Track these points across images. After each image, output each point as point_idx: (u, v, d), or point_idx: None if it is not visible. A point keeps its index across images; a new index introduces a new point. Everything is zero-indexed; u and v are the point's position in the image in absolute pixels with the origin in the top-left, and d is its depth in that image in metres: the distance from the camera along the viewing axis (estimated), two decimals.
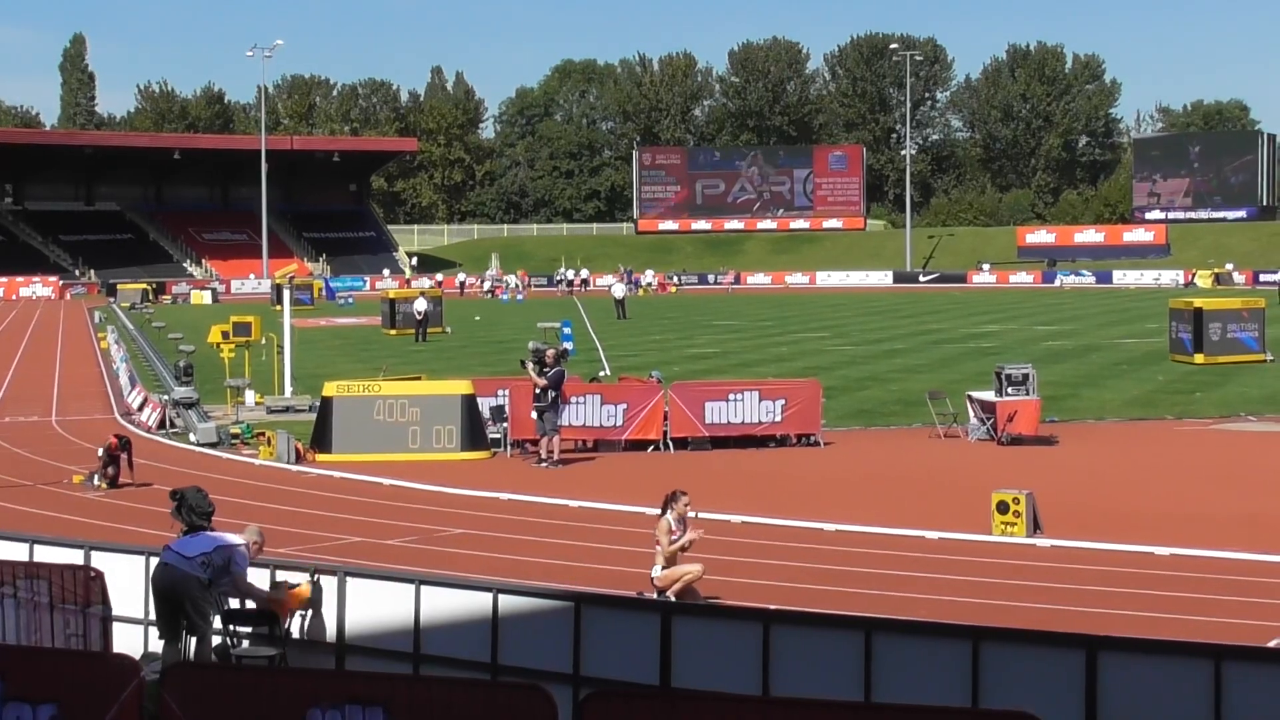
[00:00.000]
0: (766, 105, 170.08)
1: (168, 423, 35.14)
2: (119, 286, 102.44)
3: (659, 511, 17.71)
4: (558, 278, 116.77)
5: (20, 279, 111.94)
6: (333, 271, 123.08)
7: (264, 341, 42.81)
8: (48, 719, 9.71)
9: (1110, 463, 29.39)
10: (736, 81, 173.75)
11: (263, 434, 31.94)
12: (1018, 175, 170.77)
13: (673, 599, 17.04)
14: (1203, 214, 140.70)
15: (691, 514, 18.13)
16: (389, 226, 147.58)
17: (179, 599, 14.19)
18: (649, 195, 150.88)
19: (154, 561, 15.31)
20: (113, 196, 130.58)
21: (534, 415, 29.77)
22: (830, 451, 31.40)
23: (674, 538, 17.39)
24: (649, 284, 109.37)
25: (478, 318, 77.90)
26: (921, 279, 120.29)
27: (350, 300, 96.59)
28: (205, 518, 14.67)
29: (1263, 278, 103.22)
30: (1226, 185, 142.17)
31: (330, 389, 31.65)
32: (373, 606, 14.31)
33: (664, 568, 17.45)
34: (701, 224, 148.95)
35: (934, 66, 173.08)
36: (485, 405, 31.47)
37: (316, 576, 14.69)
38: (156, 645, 14.67)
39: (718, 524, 21.91)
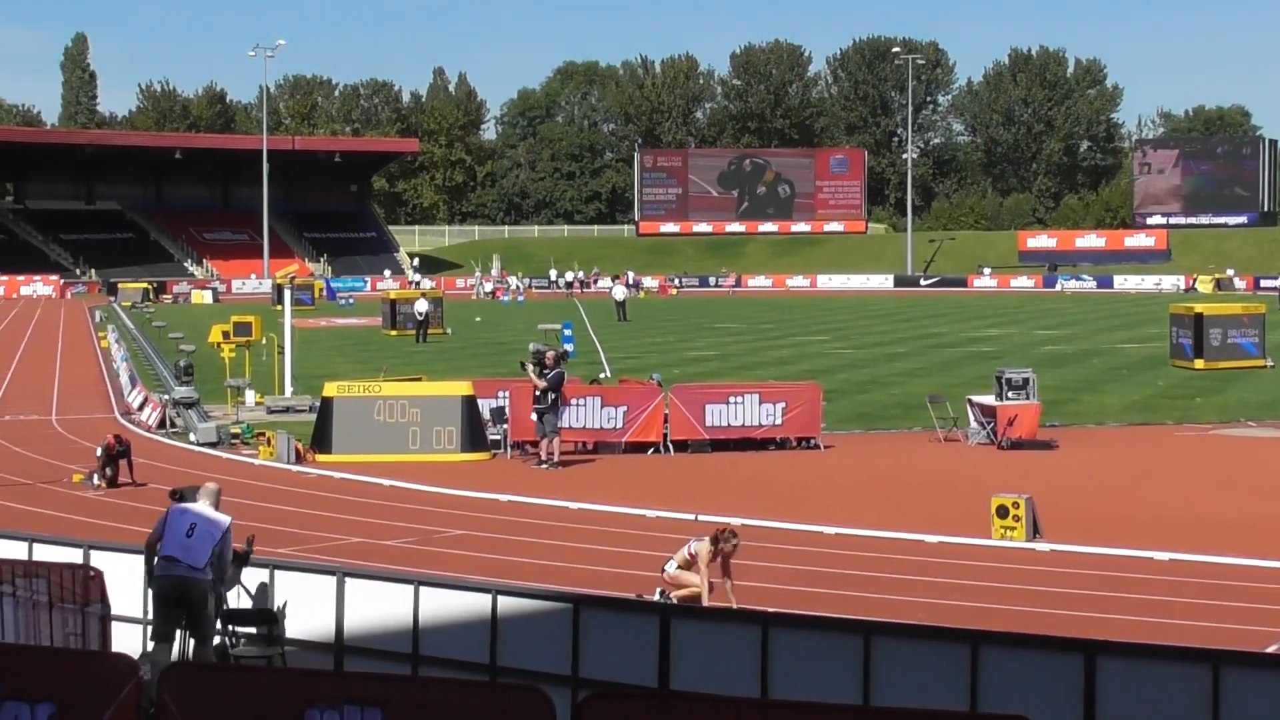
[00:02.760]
0: (768, 108, 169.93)
1: (168, 422, 35.16)
2: (119, 286, 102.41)
3: (710, 543, 17.58)
4: (554, 276, 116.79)
5: (21, 278, 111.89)
6: (333, 272, 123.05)
7: (264, 341, 42.80)
8: (46, 718, 9.71)
9: (1110, 467, 29.40)
10: (738, 84, 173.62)
11: (263, 434, 31.95)
12: (1019, 179, 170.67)
13: (673, 600, 17.09)
14: (1203, 219, 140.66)
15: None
16: (390, 227, 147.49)
17: (191, 605, 14.19)
18: (650, 197, 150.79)
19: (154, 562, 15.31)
20: (114, 196, 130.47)
21: (534, 417, 29.77)
22: (830, 455, 31.41)
23: (702, 571, 17.39)
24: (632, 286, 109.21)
25: (478, 319, 77.91)
26: (922, 283, 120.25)
27: (351, 301, 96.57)
28: None
29: (1263, 283, 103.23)
30: (1227, 191, 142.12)
31: (330, 389, 31.66)
32: (371, 607, 14.32)
33: (680, 567, 17.53)
34: (702, 226, 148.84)
35: (935, 70, 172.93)
36: (485, 406, 31.47)
37: (251, 538, 14.85)
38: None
39: (717, 527, 21.87)
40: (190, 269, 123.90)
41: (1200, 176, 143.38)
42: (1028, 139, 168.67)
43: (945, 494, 26.16)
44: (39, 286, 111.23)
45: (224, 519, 14.60)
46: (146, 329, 65.99)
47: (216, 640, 14.55)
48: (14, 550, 15.53)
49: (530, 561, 20.50)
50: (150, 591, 14.51)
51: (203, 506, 14.72)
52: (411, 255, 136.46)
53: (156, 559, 14.39)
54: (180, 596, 14.18)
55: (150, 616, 14.63)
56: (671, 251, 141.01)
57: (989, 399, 32.69)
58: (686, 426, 31.62)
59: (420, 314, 64.89)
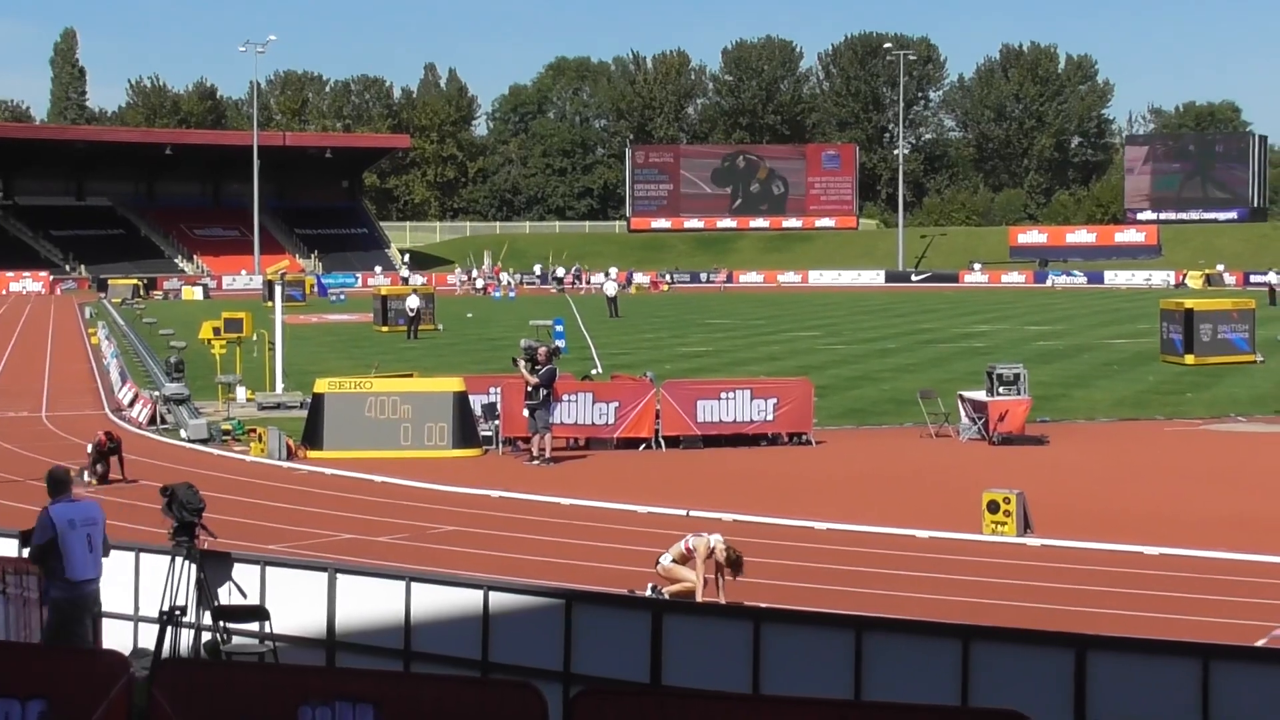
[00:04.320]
0: (760, 104, 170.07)
1: (158, 419, 35.14)
2: (110, 282, 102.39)
3: (710, 539, 17.58)
4: (538, 271, 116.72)
5: (10, 274, 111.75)
6: (325, 268, 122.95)
7: (255, 338, 42.76)
8: (37, 715, 9.68)
9: (1100, 463, 29.42)
10: (730, 80, 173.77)
11: (254, 430, 31.90)
12: (1010, 175, 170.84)
13: (665, 595, 17.10)
14: (1194, 215, 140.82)
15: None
16: (381, 223, 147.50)
17: (97, 609, 14.02)
18: (642, 193, 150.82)
19: (145, 558, 15.29)
20: (104, 192, 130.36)
21: (526, 413, 29.78)
22: (822, 450, 31.41)
23: (698, 567, 17.40)
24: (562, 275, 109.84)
25: (469, 315, 77.87)
26: (913, 278, 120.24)
27: (342, 297, 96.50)
28: (196, 514, 14.61)
29: (1253, 279, 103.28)
30: (1217, 187, 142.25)
31: (322, 385, 31.64)
32: (363, 603, 14.32)
33: (675, 561, 17.53)
34: (694, 222, 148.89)
35: (927, 66, 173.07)
36: (477, 403, 31.47)
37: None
38: (146, 641, 14.66)
39: (709, 523, 21.92)
40: (181, 265, 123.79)
41: (1190, 172, 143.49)
42: (1019, 135, 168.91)
43: (936, 489, 26.18)
44: (29, 283, 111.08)
45: (96, 504, 14.47)
46: (137, 325, 65.95)
47: (207, 636, 14.53)
48: (5, 547, 15.51)
49: (522, 557, 20.50)
50: (56, 612, 13.79)
51: (76, 503, 14.35)
52: (403, 251, 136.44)
53: (62, 581, 13.70)
54: (92, 605, 13.99)
55: (143, 614, 14.56)
56: (663, 247, 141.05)
57: (980, 394, 32.71)
58: (678, 422, 31.62)
59: (411, 310, 64.85)
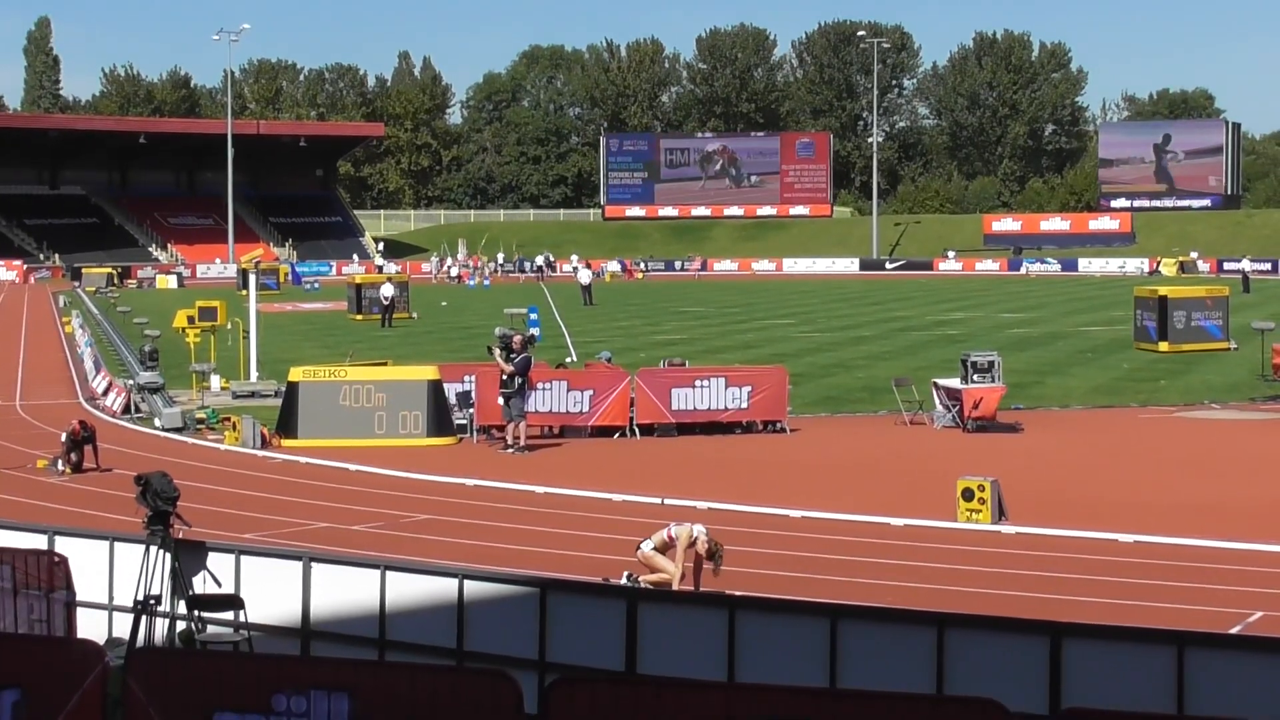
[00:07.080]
0: (734, 92, 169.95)
1: (132, 407, 35.04)
2: (84, 271, 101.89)
3: (693, 528, 17.55)
4: (500, 260, 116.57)
5: None
6: (299, 256, 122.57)
7: (229, 326, 42.65)
8: (11, 704, 9.65)
9: (1075, 450, 29.50)
10: (704, 68, 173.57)
11: (228, 419, 31.87)
12: (984, 163, 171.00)
13: (643, 584, 17.09)
14: (1168, 202, 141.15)
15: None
16: (356, 212, 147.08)
17: None
18: (616, 181, 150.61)
19: (120, 547, 15.24)
20: (78, 180, 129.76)
21: (500, 401, 29.77)
22: (796, 438, 31.45)
23: (678, 556, 17.37)
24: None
25: (444, 303, 77.77)
26: (888, 266, 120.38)
27: (316, 285, 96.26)
28: (170, 503, 14.57)
29: (1227, 266, 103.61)
30: (1191, 174, 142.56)
31: (296, 374, 31.58)
32: (338, 592, 14.29)
33: (655, 549, 17.50)
34: (668, 210, 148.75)
35: (901, 54, 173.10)
36: (452, 391, 31.44)
37: None
38: (120, 630, 14.62)
39: (684, 511, 21.93)
40: (155, 254, 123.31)
41: (1164, 159, 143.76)
42: (992, 122, 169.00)
43: (911, 477, 26.22)
44: (2, 272, 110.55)
45: None
46: (111, 314, 65.72)
47: (182, 625, 14.49)
48: None
49: (497, 546, 20.49)
50: None
51: None
52: (377, 240, 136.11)
53: None
54: None
55: (117, 603, 14.51)
56: (638, 235, 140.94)
57: (954, 382, 32.76)
58: (653, 410, 31.64)
59: (386, 298, 64.79)
